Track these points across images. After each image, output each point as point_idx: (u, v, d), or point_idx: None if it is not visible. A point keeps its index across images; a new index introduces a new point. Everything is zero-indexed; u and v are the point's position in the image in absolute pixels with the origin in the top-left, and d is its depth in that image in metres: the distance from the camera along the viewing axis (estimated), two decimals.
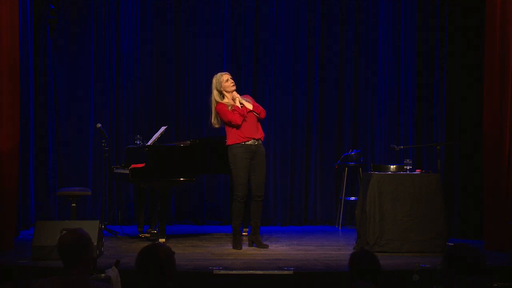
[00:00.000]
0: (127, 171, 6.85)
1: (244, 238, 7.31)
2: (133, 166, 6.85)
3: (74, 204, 6.98)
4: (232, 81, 6.59)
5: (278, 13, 8.67)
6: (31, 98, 7.77)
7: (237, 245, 6.52)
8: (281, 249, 6.57)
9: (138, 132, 7.91)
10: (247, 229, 7.52)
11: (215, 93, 6.57)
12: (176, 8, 8.61)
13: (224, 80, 6.55)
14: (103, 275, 4.22)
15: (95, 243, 5.52)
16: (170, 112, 8.60)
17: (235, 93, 6.57)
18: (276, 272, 5.27)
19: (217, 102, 6.55)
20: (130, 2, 8.51)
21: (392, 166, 6.75)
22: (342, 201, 8.33)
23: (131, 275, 4.45)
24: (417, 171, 6.69)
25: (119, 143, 8.47)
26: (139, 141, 7.34)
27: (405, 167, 6.61)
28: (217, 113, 6.54)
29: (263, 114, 6.60)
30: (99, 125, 7.36)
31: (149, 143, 7.02)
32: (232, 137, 6.50)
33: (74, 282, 3.11)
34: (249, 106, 6.54)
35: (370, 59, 8.66)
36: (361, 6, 8.64)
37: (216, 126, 6.62)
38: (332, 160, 8.55)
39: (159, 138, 7.14)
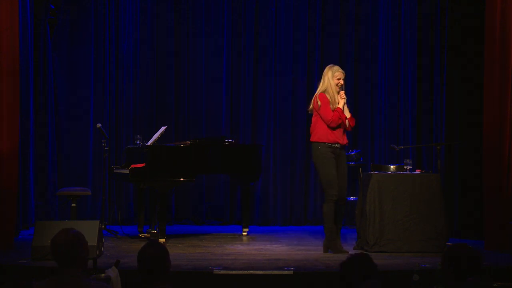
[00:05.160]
0: (127, 171, 6.85)
1: (245, 238, 7.35)
2: (133, 166, 6.85)
3: (74, 204, 6.98)
4: (341, 81, 6.33)
5: (278, 13, 8.67)
6: (31, 98, 7.77)
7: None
8: (281, 249, 6.57)
9: (138, 132, 7.90)
10: (247, 229, 7.53)
11: (325, 80, 6.31)
12: (176, 8, 8.61)
13: (337, 77, 6.31)
14: (103, 275, 4.22)
15: (95, 243, 5.53)
16: (170, 112, 8.60)
17: (342, 93, 6.32)
18: (276, 272, 5.27)
19: (322, 92, 6.29)
20: (130, 2, 8.51)
21: (392, 166, 6.74)
22: None
23: (131, 275, 4.46)
24: (417, 171, 6.69)
25: (119, 143, 8.47)
26: (139, 141, 7.34)
27: (405, 167, 6.60)
28: (317, 100, 6.26)
29: (350, 128, 6.42)
30: (99, 125, 7.36)
31: (149, 143, 7.02)
32: (322, 134, 6.26)
33: (73, 283, 3.11)
34: (347, 114, 6.34)
35: (370, 59, 8.65)
36: (361, 6, 8.64)
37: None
38: None
39: (159, 138, 7.14)
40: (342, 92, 6.34)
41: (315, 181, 8.66)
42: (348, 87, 8.65)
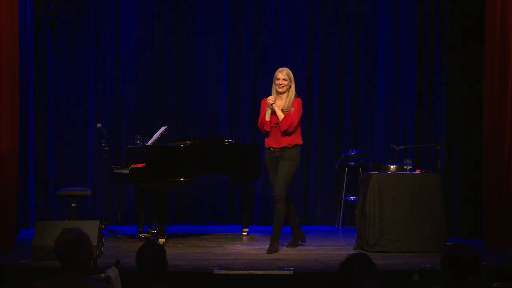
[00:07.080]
0: (127, 171, 6.85)
1: (245, 238, 7.35)
2: (133, 166, 6.85)
3: (74, 204, 6.98)
4: (282, 82, 6.35)
5: (278, 13, 8.66)
6: (31, 98, 7.76)
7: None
8: (281, 249, 6.56)
9: (138, 132, 7.89)
10: (247, 229, 7.54)
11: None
12: (176, 8, 8.61)
13: (276, 77, 6.42)
14: (103, 275, 4.22)
15: (95, 243, 5.52)
16: (170, 112, 8.60)
17: (270, 99, 6.34)
18: (276, 272, 5.28)
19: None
20: (130, 2, 8.51)
21: (392, 166, 6.75)
22: (342, 201, 8.32)
23: (131, 275, 4.46)
24: (417, 171, 6.69)
25: (119, 143, 8.47)
26: (139, 141, 7.34)
27: (405, 167, 6.60)
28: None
29: (289, 130, 6.32)
30: (99, 125, 7.36)
31: (149, 143, 7.02)
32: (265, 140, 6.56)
33: (73, 283, 3.11)
34: (280, 116, 6.31)
35: (370, 59, 8.65)
36: (361, 6, 8.64)
37: None
38: (332, 160, 8.54)
39: (159, 138, 7.14)
40: (270, 99, 6.37)
41: (315, 181, 8.66)
42: (348, 87, 8.69)
